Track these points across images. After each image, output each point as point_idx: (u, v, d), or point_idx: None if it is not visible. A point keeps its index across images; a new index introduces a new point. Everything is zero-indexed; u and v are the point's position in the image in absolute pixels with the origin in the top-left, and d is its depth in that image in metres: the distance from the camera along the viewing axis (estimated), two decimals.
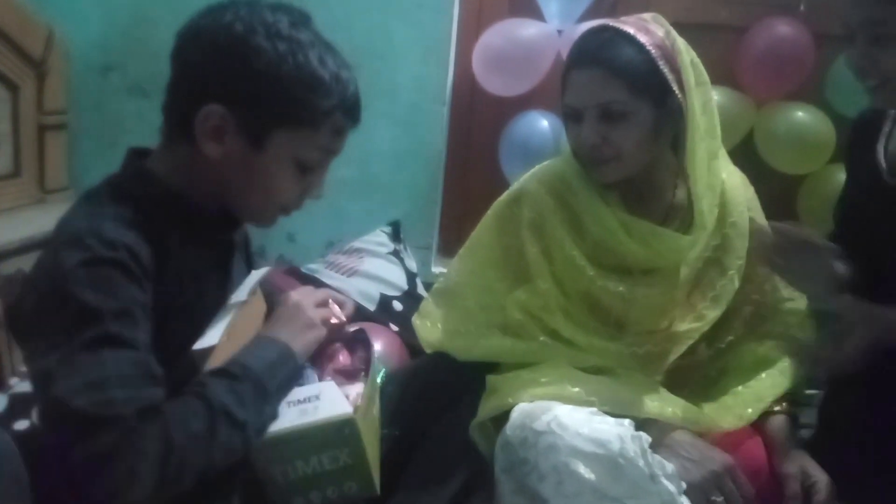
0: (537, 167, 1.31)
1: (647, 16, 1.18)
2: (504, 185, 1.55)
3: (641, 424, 1.07)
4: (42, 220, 1.76)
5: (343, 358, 1.09)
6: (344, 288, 1.79)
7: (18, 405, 1.38)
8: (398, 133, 2.06)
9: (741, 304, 1.24)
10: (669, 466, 1.02)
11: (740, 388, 1.23)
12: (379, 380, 1.16)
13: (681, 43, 1.15)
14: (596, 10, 1.92)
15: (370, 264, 1.92)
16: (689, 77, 1.14)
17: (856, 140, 1.27)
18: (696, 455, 1.08)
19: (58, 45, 1.92)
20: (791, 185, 2.05)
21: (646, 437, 1.03)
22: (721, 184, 1.23)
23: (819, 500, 1.08)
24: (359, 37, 1.96)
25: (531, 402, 1.08)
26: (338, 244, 2.05)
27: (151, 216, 0.92)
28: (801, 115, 1.94)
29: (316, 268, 1.91)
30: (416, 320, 1.38)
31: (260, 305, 1.08)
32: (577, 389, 1.11)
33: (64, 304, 0.81)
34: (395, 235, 2.04)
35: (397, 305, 1.86)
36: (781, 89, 1.98)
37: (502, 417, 1.09)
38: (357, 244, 1.99)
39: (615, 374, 1.19)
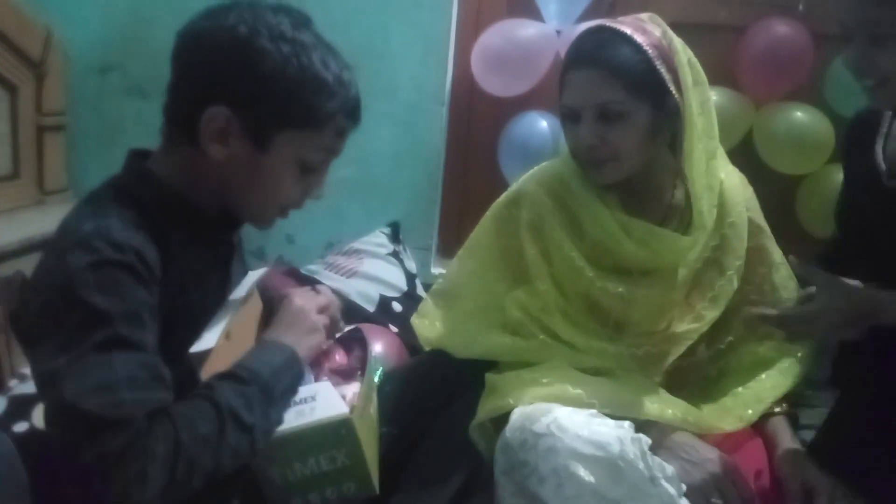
0: (536, 168, 1.31)
1: (644, 16, 1.18)
2: (503, 185, 1.55)
3: (641, 426, 1.07)
4: (41, 222, 1.77)
5: (339, 357, 1.09)
6: (343, 289, 1.79)
7: (18, 407, 1.37)
8: (397, 133, 2.06)
9: (740, 305, 1.23)
10: (669, 468, 1.02)
11: (740, 389, 1.23)
12: (376, 378, 1.16)
13: (677, 42, 1.15)
14: (594, 11, 1.92)
15: (369, 265, 1.92)
16: (687, 77, 1.13)
17: (853, 140, 1.27)
18: (696, 457, 1.08)
19: (56, 45, 1.92)
20: (790, 186, 2.05)
21: (645, 440, 1.02)
22: (719, 184, 1.22)
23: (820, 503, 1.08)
24: (357, 37, 1.96)
25: (531, 403, 1.08)
26: (337, 245, 2.05)
27: (155, 218, 0.92)
28: (800, 115, 1.94)
29: (315, 269, 1.91)
30: (415, 320, 1.38)
31: (257, 307, 1.07)
32: (578, 391, 1.11)
33: (72, 306, 0.81)
34: (395, 236, 2.04)
35: (397, 306, 1.86)
36: (780, 89, 1.98)
37: (502, 418, 1.09)
38: (356, 245, 1.99)
39: (614, 376, 1.19)
